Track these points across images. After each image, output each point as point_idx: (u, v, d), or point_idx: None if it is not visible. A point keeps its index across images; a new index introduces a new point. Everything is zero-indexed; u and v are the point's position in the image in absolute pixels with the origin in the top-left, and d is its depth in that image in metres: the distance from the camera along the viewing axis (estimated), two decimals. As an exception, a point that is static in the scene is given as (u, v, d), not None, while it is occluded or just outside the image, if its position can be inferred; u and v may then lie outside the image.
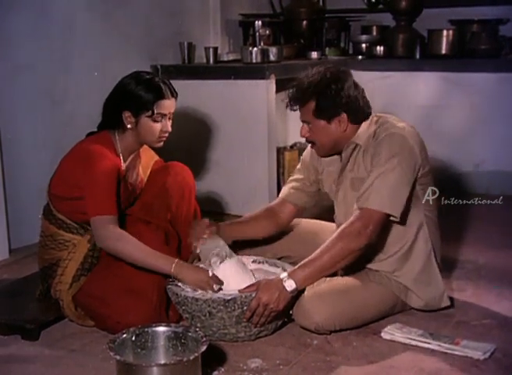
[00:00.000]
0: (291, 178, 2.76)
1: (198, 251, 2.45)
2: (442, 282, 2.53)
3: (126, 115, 2.45)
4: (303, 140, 4.74)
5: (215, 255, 2.41)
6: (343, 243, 2.30)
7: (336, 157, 2.59)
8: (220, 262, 2.39)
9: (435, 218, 2.56)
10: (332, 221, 2.70)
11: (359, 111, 2.46)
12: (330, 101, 2.41)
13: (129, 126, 2.46)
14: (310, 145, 2.62)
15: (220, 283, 2.33)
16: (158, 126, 2.46)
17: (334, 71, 2.45)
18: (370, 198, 2.33)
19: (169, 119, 2.49)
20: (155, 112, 2.43)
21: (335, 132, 2.46)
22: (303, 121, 2.50)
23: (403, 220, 2.43)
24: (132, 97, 2.43)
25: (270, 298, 2.23)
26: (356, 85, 2.46)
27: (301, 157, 2.76)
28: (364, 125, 2.48)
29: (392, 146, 2.37)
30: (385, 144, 2.38)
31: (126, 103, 2.44)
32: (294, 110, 2.51)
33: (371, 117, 2.50)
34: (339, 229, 2.35)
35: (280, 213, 2.71)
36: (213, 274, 2.35)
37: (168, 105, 2.47)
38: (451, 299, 2.62)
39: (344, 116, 2.44)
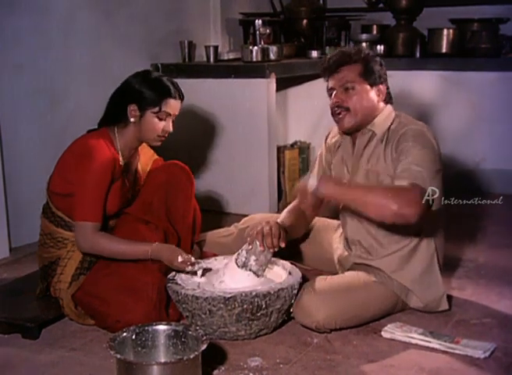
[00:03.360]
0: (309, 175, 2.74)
1: (248, 248, 2.39)
2: (442, 285, 2.52)
3: (131, 108, 2.45)
4: (303, 138, 4.79)
5: (257, 263, 2.37)
6: (393, 201, 2.16)
7: (348, 144, 2.58)
8: (252, 270, 2.37)
9: (441, 221, 2.55)
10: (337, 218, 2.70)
11: (390, 92, 2.55)
12: (377, 67, 2.49)
13: (132, 119, 2.46)
14: (336, 117, 2.51)
15: (190, 261, 2.36)
16: (161, 124, 2.47)
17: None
18: (417, 177, 2.25)
19: (172, 120, 2.51)
20: (162, 109, 2.45)
21: (372, 100, 2.48)
22: (340, 86, 2.47)
23: None
24: (141, 91, 2.44)
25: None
26: None
27: (318, 154, 2.74)
28: (382, 115, 2.49)
29: (418, 139, 2.37)
30: (411, 137, 2.37)
31: (134, 96, 2.45)
32: (332, 72, 2.49)
33: (390, 109, 2.52)
34: (396, 187, 2.24)
35: (305, 212, 2.72)
36: (185, 257, 2.37)
37: (175, 106, 2.49)
38: (451, 298, 2.63)
39: (384, 87, 2.51)
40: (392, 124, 2.47)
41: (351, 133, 2.55)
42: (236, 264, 2.38)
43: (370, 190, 2.28)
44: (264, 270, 2.40)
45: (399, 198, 2.17)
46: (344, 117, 2.48)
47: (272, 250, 2.38)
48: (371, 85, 2.48)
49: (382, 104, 2.52)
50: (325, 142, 2.72)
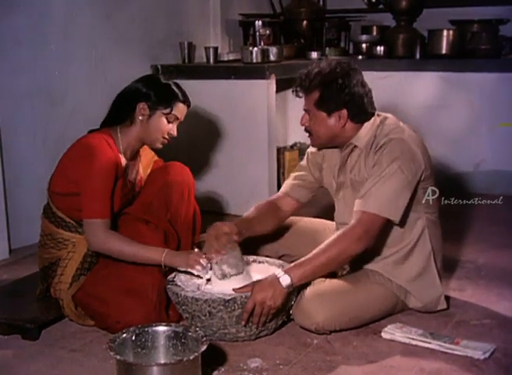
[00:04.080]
0: (294, 174, 2.74)
1: (215, 261, 2.39)
2: (440, 285, 2.52)
3: (141, 106, 2.46)
4: (303, 140, 4.80)
5: (230, 266, 2.38)
6: (342, 245, 2.29)
7: (337, 152, 2.58)
8: (233, 275, 2.37)
9: (436, 219, 2.55)
10: (332, 219, 2.70)
11: (361, 110, 2.45)
12: (333, 94, 2.40)
13: (140, 117, 2.47)
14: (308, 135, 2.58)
15: (202, 256, 2.38)
16: (168, 126, 2.50)
17: (345, 66, 2.44)
18: (370, 201, 2.31)
19: (177, 125, 2.53)
20: (173, 111, 2.47)
21: (333, 126, 2.45)
22: (304, 109, 2.49)
23: (403, 223, 2.43)
24: (154, 92, 2.46)
25: (265, 296, 2.22)
26: (364, 84, 2.45)
27: (306, 153, 2.75)
28: (366, 127, 2.47)
29: (393, 151, 2.36)
30: (386, 150, 2.37)
31: (147, 95, 2.47)
32: (299, 97, 2.50)
33: (373, 119, 2.48)
34: (340, 231, 2.34)
35: (282, 207, 2.71)
36: (198, 251, 2.42)
37: (183, 111, 2.53)
38: (451, 299, 2.63)
39: (344, 112, 2.42)
40: (376, 132, 2.46)
41: (328, 148, 2.58)
42: (218, 278, 2.38)
43: (320, 254, 2.29)
44: (242, 265, 2.41)
45: (342, 243, 2.29)
46: (311, 138, 2.53)
47: (236, 244, 2.41)
48: (328, 113, 2.42)
49: (350, 124, 2.45)
50: None
